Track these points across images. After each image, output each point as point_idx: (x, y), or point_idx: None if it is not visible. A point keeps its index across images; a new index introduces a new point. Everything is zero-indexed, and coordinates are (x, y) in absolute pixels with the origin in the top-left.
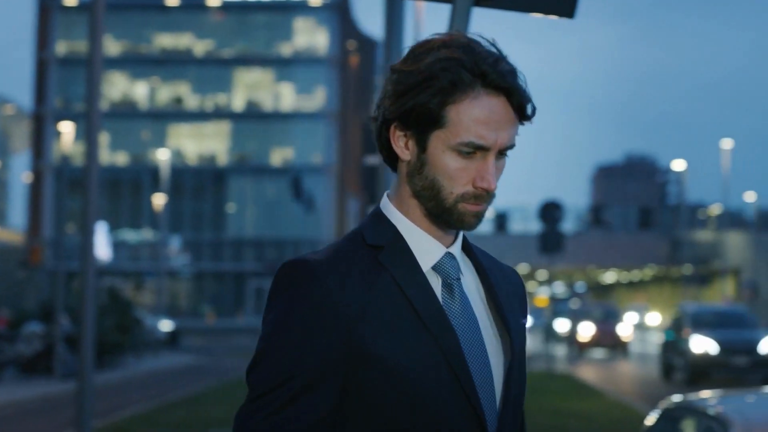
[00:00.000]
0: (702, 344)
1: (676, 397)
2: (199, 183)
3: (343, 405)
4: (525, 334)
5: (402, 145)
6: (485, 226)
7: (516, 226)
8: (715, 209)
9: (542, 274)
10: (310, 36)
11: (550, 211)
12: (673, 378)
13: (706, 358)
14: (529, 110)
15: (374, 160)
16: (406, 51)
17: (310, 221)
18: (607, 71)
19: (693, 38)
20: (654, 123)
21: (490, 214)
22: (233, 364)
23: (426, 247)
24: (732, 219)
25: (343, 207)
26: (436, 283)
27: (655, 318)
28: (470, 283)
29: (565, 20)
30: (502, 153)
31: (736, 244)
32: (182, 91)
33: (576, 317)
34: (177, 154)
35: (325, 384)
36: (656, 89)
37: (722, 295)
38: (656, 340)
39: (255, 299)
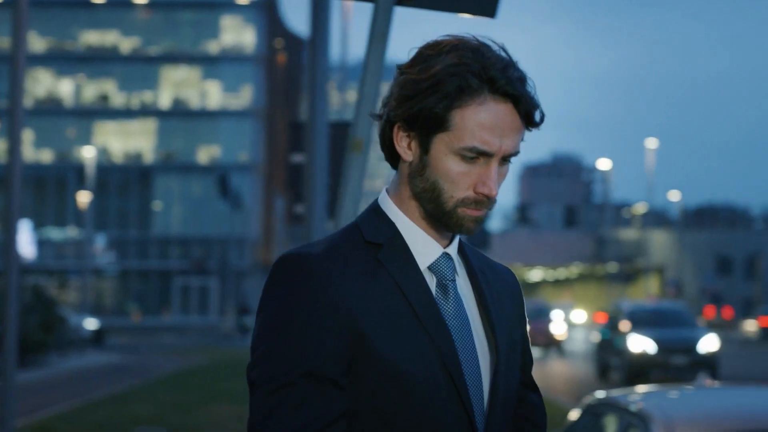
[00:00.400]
0: (640, 343)
1: (599, 393)
2: (124, 181)
3: None
4: (518, 333)
5: (405, 146)
6: None
7: None
8: (640, 208)
9: None
10: (237, 34)
11: None
12: (609, 378)
13: (644, 357)
14: (536, 117)
15: (300, 158)
16: (414, 52)
17: (236, 219)
18: (534, 71)
19: (619, 39)
20: (580, 122)
21: None
22: (159, 363)
23: (424, 247)
24: (656, 218)
25: (270, 205)
26: (431, 283)
27: (580, 315)
28: (463, 284)
29: (487, 20)
30: (505, 159)
31: (660, 243)
32: (108, 89)
33: None
34: (103, 152)
35: (340, 376)
36: (583, 89)
37: (646, 292)
38: (581, 337)
39: (181, 297)
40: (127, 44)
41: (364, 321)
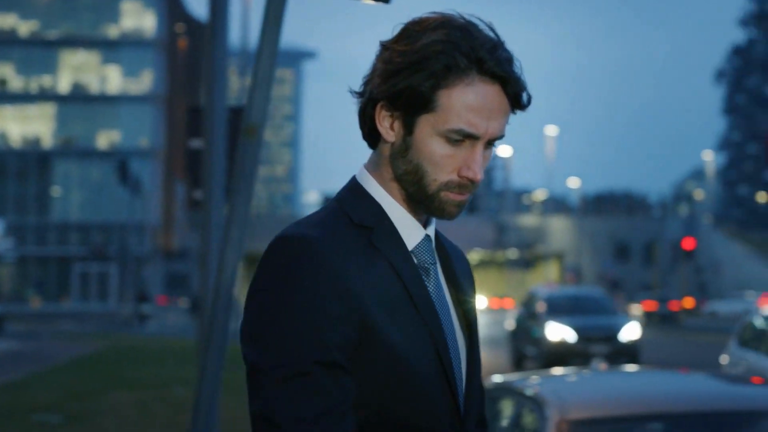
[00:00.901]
0: (558, 332)
1: (497, 378)
2: (23, 166)
3: None
4: (476, 314)
5: (387, 126)
6: (313, 210)
7: None
8: (540, 195)
9: None
10: (138, 18)
11: None
12: (525, 367)
13: (563, 346)
14: (524, 99)
15: (198, 143)
16: (399, 28)
17: (136, 205)
18: None
19: (518, 27)
20: None
21: (314, 198)
22: (58, 349)
23: (408, 229)
24: (556, 204)
25: (171, 191)
26: None
27: (481, 302)
28: (438, 267)
29: (382, 5)
30: (490, 143)
31: (559, 229)
32: (6, 73)
33: None
34: (0, 137)
35: (348, 362)
36: None
37: (546, 278)
38: (483, 322)
39: (80, 284)
40: (25, 28)
41: (368, 306)
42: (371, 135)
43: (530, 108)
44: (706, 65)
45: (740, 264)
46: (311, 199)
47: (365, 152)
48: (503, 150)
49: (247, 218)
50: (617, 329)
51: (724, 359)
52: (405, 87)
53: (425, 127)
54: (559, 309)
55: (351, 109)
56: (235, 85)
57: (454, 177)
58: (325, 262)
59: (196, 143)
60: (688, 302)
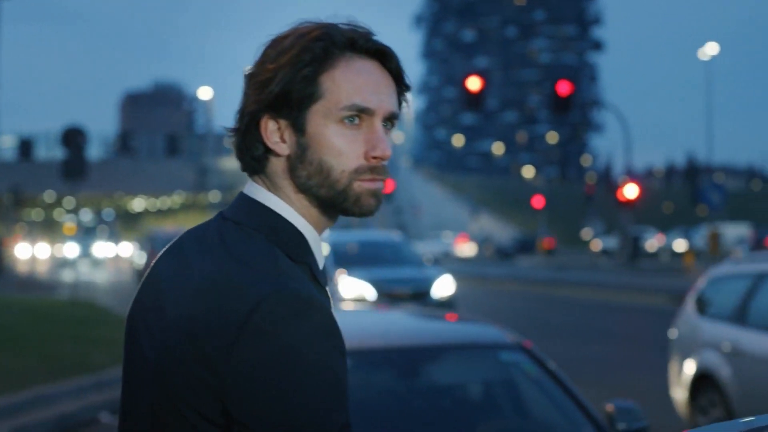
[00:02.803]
0: (354, 288)
1: None
2: None
3: None
4: None
5: (278, 140)
6: (8, 154)
7: (41, 152)
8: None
9: (69, 201)
10: None
11: (74, 137)
12: None
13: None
14: (406, 78)
15: None
16: (258, 51)
17: None
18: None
19: None
20: (181, 51)
21: (12, 141)
22: None
23: (318, 253)
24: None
25: None
26: None
27: None
28: None
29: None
30: (387, 121)
31: None
32: None
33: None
34: None
35: None
36: (184, 16)
37: None
38: None
39: None
40: None
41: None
42: (256, 160)
43: (234, 49)
44: (405, 10)
45: (438, 205)
46: (6, 143)
47: (65, 96)
48: (205, 92)
49: None
50: (428, 284)
51: (673, 333)
52: (287, 82)
53: (317, 118)
54: (347, 259)
55: (52, 52)
56: None
57: (362, 162)
58: (331, 322)
59: None
60: None
